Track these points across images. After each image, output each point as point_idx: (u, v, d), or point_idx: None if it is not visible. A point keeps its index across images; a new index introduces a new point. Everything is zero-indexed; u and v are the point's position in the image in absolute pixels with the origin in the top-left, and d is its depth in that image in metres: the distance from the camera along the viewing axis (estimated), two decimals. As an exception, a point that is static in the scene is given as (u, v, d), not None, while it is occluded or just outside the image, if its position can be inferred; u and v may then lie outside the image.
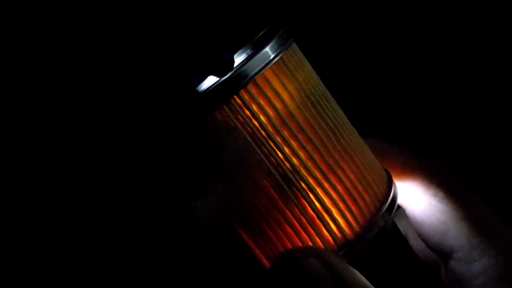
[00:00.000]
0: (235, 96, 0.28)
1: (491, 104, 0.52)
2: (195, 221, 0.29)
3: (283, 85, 0.29)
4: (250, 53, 0.29)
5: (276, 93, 0.29)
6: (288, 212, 0.30)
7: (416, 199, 0.34)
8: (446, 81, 0.52)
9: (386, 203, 0.31)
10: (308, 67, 0.31)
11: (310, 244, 0.30)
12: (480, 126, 0.52)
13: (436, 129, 0.52)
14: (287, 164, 0.29)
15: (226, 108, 0.29)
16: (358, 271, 0.30)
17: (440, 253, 0.33)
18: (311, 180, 0.29)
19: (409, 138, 0.49)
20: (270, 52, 0.29)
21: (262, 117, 0.29)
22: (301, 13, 0.50)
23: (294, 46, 0.31)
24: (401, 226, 0.35)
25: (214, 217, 0.29)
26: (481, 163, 0.51)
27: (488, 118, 0.52)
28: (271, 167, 0.29)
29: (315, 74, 0.32)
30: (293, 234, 0.30)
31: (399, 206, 0.34)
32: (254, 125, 0.29)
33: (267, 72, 0.29)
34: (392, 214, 0.32)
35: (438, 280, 0.34)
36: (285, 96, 0.29)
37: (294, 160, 0.29)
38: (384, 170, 0.34)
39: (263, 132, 0.29)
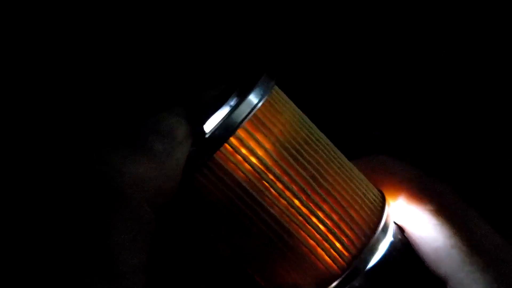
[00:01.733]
0: (225, 144, 0.30)
1: (491, 106, 0.52)
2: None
3: (269, 128, 0.31)
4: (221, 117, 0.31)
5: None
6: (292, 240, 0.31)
7: (412, 222, 0.35)
8: (444, 85, 0.52)
9: (377, 229, 0.32)
10: (288, 112, 0.33)
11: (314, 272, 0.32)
12: (481, 128, 0.52)
13: (437, 132, 0.52)
14: (281, 202, 0.31)
15: (216, 156, 0.31)
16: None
17: (439, 277, 0.34)
18: (301, 217, 0.31)
19: (412, 141, 0.49)
20: (252, 100, 0.31)
21: (253, 160, 0.31)
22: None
23: (277, 89, 0.33)
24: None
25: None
26: (481, 166, 0.52)
27: (488, 120, 0.52)
28: (266, 205, 0.31)
29: (297, 115, 0.33)
30: (294, 265, 0.32)
31: (399, 227, 0.35)
32: (245, 168, 0.31)
33: (254, 118, 0.31)
34: (386, 237, 0.33)
35: None
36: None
37: (291, 192, 0.31)
38: (379, 191, 0.35)
39: (255, 174, 0.31)
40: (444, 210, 0.34)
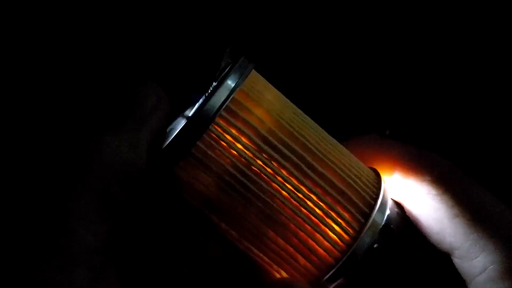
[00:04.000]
0: (208, 131, 0.29)
1: (495, 104, 0.52)
2: None
3: (251, 111, 0.30)
4: (208, 92, 0.30)
5: (246, 121, 0.30)
6: (288, 226, 0.30)
7: (411, 196, 0.33)
8: (450, 84, 0.52)
9: (376, 204, 0.31)
10: (269, 94, 0.32)
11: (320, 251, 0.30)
12: (485, 127, 0.52)
13: (445, 130, 0.52)
14: (274, 184, 0.30)
15: (201, 144, 0.29)
16: (372, 268, 0.30)
17: (443, 251, 0.33)
18: (295, 201, 0.30)
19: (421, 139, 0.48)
20: (230, 84, 0.30)
21: (239, 145, 0.30)
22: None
23: (255, 73, 0.32)
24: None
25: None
26: (482, 163, 0.51)
27: (492, 118, 0.52)
28: (264, 185, 0.30)
29: (280, 98, 0.32)
30: (293, 250, 0.31)
31: (397, 203, 0.33)
32: (232, 154, 0.30)
33: (232, 103, 0.30)
34: (387, 211, 0.32)
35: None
36: (256, 122, 0.30)
37: (281, 177, 0.30)
38: (374, 171, 0.33)
39: (242, 160, 0.29)
40: (443, 179, 0.32)
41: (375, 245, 0.31)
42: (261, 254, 0.31)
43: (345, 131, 0.36)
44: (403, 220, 0.33)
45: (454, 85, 0.51)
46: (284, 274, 0.31)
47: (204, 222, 0.31)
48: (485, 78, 0.51)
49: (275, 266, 0.31)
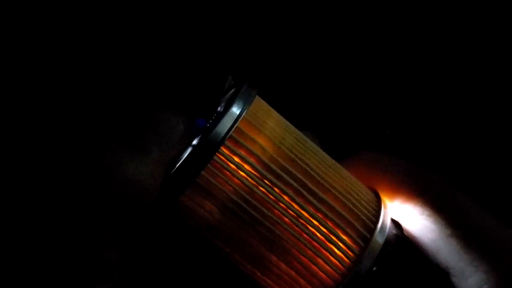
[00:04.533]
0: (212, 161, 0.30)
1: (494, 105, 0.52)
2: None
3: (254, 140, 0.31)
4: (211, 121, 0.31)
5: (248, 149, 0.30)
6: (290, 251, 0.31)
7: (407, 217, 0.34)
8: (449, 84, 0.52)
9: (376, 228, 0.32)
10: (271, 121, 0.32)
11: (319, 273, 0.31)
12: (484, 127, 0.52)
13: (443, 131, 0.52)
14: (276, 211, 0.31)
15: (204, 173, 0.30)
16: None
17: (442, 269, 0.33)
18: (297, 227, 0.31)
19: (419, 140, 0.49)
20: (234, 112, 0.30)
21: (241, 173, 0.30)
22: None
23: (257, 99, 0.32)
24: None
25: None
26: (484, 165, 0.51)
27: (491, 119, 0.52)
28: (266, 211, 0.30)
29: (281, 123, 0.33)
30: (295, 274, 0.31)
31: (396, 223, 0.34)
32: (235, 182, 0.30)
33: (236, 132, 0.30)
34: (386, 234, 0.32)
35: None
36: (258, 150, 0.30)
37: (283, 203, 0.31)
38: (373, 191, 0.34)
39: (245, 187, 0.30)
40: (436, 200, 0.33)
41: (374, 268, 0.31)
42: (264, 277, 0.32)
43: (347, 144, 0.36)
44: (402, 241, 0.34)
45: (454, 85, 0.52)
46: None
47: (207, 245, 0.32)
48: (484, 78, 0.52)
49: None
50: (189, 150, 0.30)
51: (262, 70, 0.47)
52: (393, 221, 0.34)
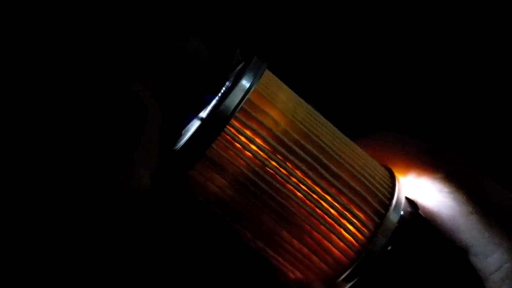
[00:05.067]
0: (222, 133, 0.29)
1: (494, 106, 0.52)
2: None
3: (265, 112, 0.30)
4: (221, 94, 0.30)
5: (260, 122, 0.29)
6: (303, 227, 0.30)
7: (424, 195, 0.33)
8: (447, 84, 0.52)
9: (391, 204, 0.31)
10: (283, 94, 0.31)
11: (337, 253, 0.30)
12: (483, 127, 0.52)
13: (440, 131, 0.51)
14: (288, 185, 0.30)
15: (215, 146, 0.29)
16: (386, 269, 0.30)
17: (460, 248, 0.32)
18: (310, 202, 0.30)
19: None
20: (244, 84, 0.29)
21: (253, 147, 0.29)
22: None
23: (268, 72, 0.31)
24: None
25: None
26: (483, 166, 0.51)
27: (491, 119, 0.52)
28: (278, 185, 0.30)
29: (293, 98, 0.32)
30: (308, 251, 0.30)
31: (412, 202, 0.33)
32: (246, 156, 0.29)
33: (247, 104, 0.29)
34: (401, 211, 0.31)
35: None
36: (270, 123, 0.29)
37: (296, 178, 0.30)
38: (387, 169, 0.33)
39: (257, 161, 0.29)
40: (456, 176, 0.32)
41: (389, 247, 0.31)
42: (276, 255, 0.31)
43: (357, 128, 0.35)
44: (418, 219, 0.33)
45: (458, 84, 0.51)
46: (299, 275, 0.31)
47: (218, 223, 0.31)
48: (486, 76, 0.51)
49: (290, 267, 0.31)
50: (197, 122, 0.29)
51: (271, 45, 0.46)
52: (408, 199, 0.33)
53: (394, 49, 0.51)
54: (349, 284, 0.31)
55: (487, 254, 0.31)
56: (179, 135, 0.30)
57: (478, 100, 0.51)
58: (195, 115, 0.31)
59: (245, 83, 0.29)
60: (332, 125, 0.33)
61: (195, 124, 0.30)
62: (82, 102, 0.29)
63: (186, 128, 0.31)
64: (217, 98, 0.30)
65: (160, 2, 0.46)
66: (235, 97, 0.29)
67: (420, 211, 0.34)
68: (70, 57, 0.43)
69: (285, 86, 0.32)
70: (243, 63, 0.32)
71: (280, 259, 0.31)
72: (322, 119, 0.32)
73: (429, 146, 0.34)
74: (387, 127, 0.37)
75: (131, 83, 0.29)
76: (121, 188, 0.27)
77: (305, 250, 0.30)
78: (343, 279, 0.31)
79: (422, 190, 0.33)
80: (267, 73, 0.31)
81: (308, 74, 0.48)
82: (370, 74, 0.51)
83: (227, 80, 0.31)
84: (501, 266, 0.31)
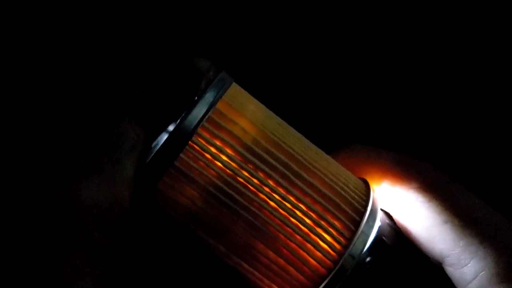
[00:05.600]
0: (190, 143, 0.29)
1: (491, 106, 0.52)
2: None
3: (234, 122, 0.29)
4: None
5: (229, 131, 0.29)
6: (278, 238, 0.29)
7: (399, 205, 0.33)
8: (442, 85, 0.52)
9: (363, 220, 0.30)
10: (252, 106, 0.31)
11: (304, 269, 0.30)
12: (480, 127, 0.52)
13: (435, 132, 0.51)
14: (254, 203, 0.29)
15: (184, 157, 0.28)
16: (361, 283, 0.29)
17: (434, 259, 0.32)
18: (283, 211, 0.29)
19: (410, 141, 0.48)
20: (211, 95, 0.29)
21: (223, 157, 0.29)
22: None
23: (237, 86, 0.31)
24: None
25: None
26: (481, 166, 0.51)
27: (488, 120, 0.52)
28: (251, 196, 0.29)
29: (262, 109, 0.32)
30: (284, 263, 0.30)
31: (386, 213, 0.33)
32: (217, 166, 0.29)
33: (215, 114, 0.29)
34: (375, 225, 0.31)
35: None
36: (239, 132, 0.29)
37: (268, 187, 0.29)
38: (363, 180, 0.33)
39: (228, 171, 0.29)
40: (430, 186, 0.32)
41: (368, 259, 0.30)
42: (251, 269, 0.30)
43: (331, 143, 0.35)
44: (393, 229, 0.32)
45: (440, 86, 0.51)
46: None
47: (191, 238, 0.30)
48: (474, 80, 0.52)
49: (266, 281, 0.30)
50: (165, 136, 0.29)
51: (245, 63, 0.47)
52: (383, 211, 0.33)
53: (369, 52, 0.51)
54: None
55: (462, 263, 0.31)
56: (149, 149, 0.29)
57: (457, 106, 0.51)
58: (165, 128, 0.31)
59: (212, 93, 0.29)
60: (303, 136, 0.32)
61: (164, 137, 0.29)
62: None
63: (156, 142, 0.30)
64: (186, 110, 0.30)
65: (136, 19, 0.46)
66: (202, 106, 0.29)
67: (394, 222, 0.33)
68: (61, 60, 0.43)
69: (254, 99, 0.32)
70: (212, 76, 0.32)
71: (256, 273, 0.30)
72: (293, 130, 0.32)
73: (404, 157, 0.34)
74: (361, 130, 0.36)
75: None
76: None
77: (281, 261, 0.30)
78: None
79: (397, 200, 0.33)
80: (237, 86, 0.31)
81: (281, 91, 0.48)
82: (344, 77, 0.51)
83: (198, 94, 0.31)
84: (477, 276, 0.30)
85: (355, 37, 0.51)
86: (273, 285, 0.30)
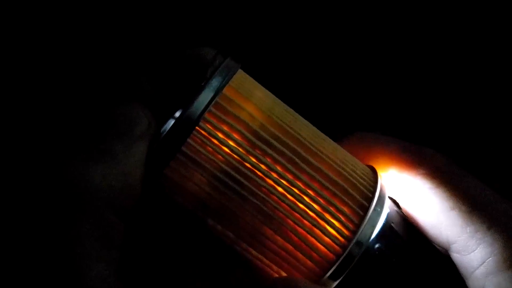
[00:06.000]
0: (197, 128, 0.28)
1: (492, 106, 0.52)
2: None
3: (241, 107, 0.29)
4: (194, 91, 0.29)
5: (236, 117, 0.29)
6: (286, 223, 0.29)
7: (406, 192, 0.33)
8: (443, 85, 0.52)
9: (371, 205, 0.30)
10: (259, 92, 0.31)
11: (313, 255, 0.30)
12: (481, 127, 0.52)
13: (436, 132, 0.51)
14: (262, 189, 0.29)
15: (191, 142, 0.28)
16: (370, 269, 0.29)
17: (440, 246, 0.32)
18: (291, 197, 0.29)
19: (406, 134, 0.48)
20: (217, 81, 0.29)
21: (231, 142, 0.29)
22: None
23: (243, 73, 0.31)
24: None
25: None
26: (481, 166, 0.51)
27: (488, 120, 0.52)
28: (259, 181, 0.29)
29: (269, 95, 0.32)
30: (292, 248, 0.30)
31: (394, 200, 0.33)
32: (224, 151, 0.29)
33: (222, 99, 0.29)
34: (383, 211, 0.31)
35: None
36: (246, 117, 0.29)
37: (276, 172, 0.29)
38: (370, 167, 0.33)
39: (235, 156, 0.29)
40: (438, 173, 0.32)
41: (377, 245, 0.30)
42: (259, 255, 0.30)
43: (337, 131, 0.35)
44: (401, 216, 0.32)
45: (443, 87, 0.51)
46: (285, 275, 0.30)
47: (198, 225, 0.30)
48: (475, 79, 0.51)
49: (275, 267, 0.30)
50: (173, 122, 0.29)
51: (251, 50, 0.46)
52: (390, 198, 0.33)
53: (375, 51, 0.51)
54: (336, 283, 0.30)
55: (469, 249, 0.31)
56: (159, 135, 0.29)
57: (461, 103, 0.51)
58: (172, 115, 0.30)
59: (219, 79, 0.29)
60: (310, 123, 0.32)
61: (171, 123, 0.29)
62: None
63: (164, 128, 0.30)
64: (193, 95, 0.30)
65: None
66: (209, 92, 0.29)
67: (401, 209, 0.33)
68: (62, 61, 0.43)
69: (260, 86, 0.32)
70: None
71: (264, 259, 0.30)
72: (300, 117, 0.32)
73: (410, 145, 0.34)
74: (367, 129, 0.36)
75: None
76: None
77: (289, 246, 0.29)
78: (329, 276, 0.30)
79: (404, 186, 0.33)
80: (243, 73, 0.31)
81: (288, 79, 0.48)
82: (349, 76, 0.50)
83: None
84: (484, 262, 0.30)
85: (357, 36, 0.51)
86: (281, 271, 0.30)
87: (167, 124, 0.30)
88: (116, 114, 0.29)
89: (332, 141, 0.32)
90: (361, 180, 0.31)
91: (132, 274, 0.30)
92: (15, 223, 0.27)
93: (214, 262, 0.32)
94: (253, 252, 0.30)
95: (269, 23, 0.49)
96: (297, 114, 0.32)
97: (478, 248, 0.30)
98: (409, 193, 0.33)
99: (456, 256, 0.31)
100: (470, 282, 0.30)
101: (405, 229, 0.32)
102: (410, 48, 0.51)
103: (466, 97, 0.51)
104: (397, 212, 0.32)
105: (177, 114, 0.30)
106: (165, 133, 0.29)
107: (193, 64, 0.31)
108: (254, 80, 0.32)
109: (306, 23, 0.50)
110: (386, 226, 0.31)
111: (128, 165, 0.28)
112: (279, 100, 0.32)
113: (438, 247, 0.32)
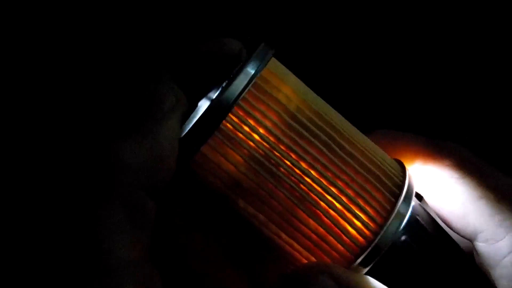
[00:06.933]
0: (236, 108, 0.28)
1: (492, 105, 0.52)
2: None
3: (278, 89, 0.29)
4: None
5: (274, 97, 0.29)
6: (319, 206, 0.29)
7: (432, 184, 0.33)
8: (445, 84, 0.52)
9: (401, 195, 0.30)
10: (291, 81, 0.31)
11: (338, 246, 0.30)
12: (482, 127, 0.52)
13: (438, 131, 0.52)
14: (296, 171, 0.29)
15: (230, 120, 0.28)
16: (396, 260, 0.29)
17: (466, 236, 0.32)
18: (319, 187, 0.29)
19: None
20: (259, 60, 0.29)
21: (268, 123, 0.29)
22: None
23: (274, 60, 0.31)
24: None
25: None
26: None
27: (489, 120, 0.52)
28: (283, 177, 0.29)
29: (301, 85, 0.32)
30: (324, 232, 0.29)
31: (419, 195, 0.33)
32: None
33: (261, 80, 0.29)
34: (412, 203, 0.31)
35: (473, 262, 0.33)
36: (283, 99, 0.29)
37: (311, 155, 0.29)
38: (396, 161, 0.33)
39: (271, 138, 0.29)
40: (464, 163, 0.32)
41: (403, 237, 0.30)
42: (290, 240, 0.30)
43: (361, 125, 0.35)
44: (424, 209, 0.33)
45: (441, 87, 0.52)
46: (314, 261, 0.30)
47: (227, 208, 0.30)
48: (474, 80, 0.52)
49: (304, 253, 0.30)
50: (209, 101, 0.29)
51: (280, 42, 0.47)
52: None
53: (395, 49, 0.51)
54: (365, 270, 0.30)
55: (497, 238, 0.31)
56: (195, 106, 0.29)
57: (475, 99, 0.52)
58: (209, 96, 0.30)
59: (256, 61, 0.29)
60: (339, 114, 0.33)
61: (208, 103, 0.29)
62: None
63: (198, 109, 0.30)
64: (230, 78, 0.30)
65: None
66: (249, 72, 0.29)
67: (425, 203, 0.33)
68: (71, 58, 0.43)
69: (291, 74, 0.32)
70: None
71: (294, 243, 0.30)
72: (330, 108, 0.32)
73: (432, 139, 0.34)
74: (388, 126, 0.37)
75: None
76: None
77: (321, 230, 0.29)
78: (360, 262, 0.30)
79: (430, 178, 0.33)
80: (275, 59, 0.31)
81: (314, 71, 0.48)
82: (371, 75, 0.51)
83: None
84: None
85: (359, 36, 0.51)
86: (311, 257, 0.30)
87: (201, 101, 0.30)
88: (144, 90, 0.29)
89: (360, 133, 0.33)
90: (391, 169, 0.31)
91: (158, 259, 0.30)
92: (43, 203, 0.26)
93: (242, 249, 0.31)
94: (284, 235, 0.30)
95: (279, 22, 0.50)
96: (327, 104, 0.32)
97: (507, 237, 0.31)
98: (435, 184, 0.33)
99: (482, 246, 0.32)
100: (498, 270, 0.31)
101: (430, 222, 0.32)
102: (415, 49, 0.52)
103: (475, 95, 0.52)
104: (421, 205, 0.33)
105: (215, 92, 0.30)
106: (204, 110, 0.28)
107: (217, 53, 0.31)
108: (284, 68, 0.32)
109: (300, 29, 0.50)
110: (412, 218, 0.31)
111: (157, 141, 0.27)
112: (309, 90, 0.32)
113: (463, 237, 0.32)
